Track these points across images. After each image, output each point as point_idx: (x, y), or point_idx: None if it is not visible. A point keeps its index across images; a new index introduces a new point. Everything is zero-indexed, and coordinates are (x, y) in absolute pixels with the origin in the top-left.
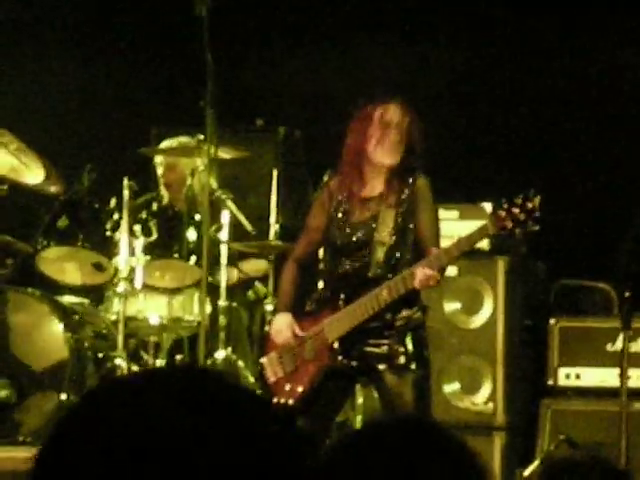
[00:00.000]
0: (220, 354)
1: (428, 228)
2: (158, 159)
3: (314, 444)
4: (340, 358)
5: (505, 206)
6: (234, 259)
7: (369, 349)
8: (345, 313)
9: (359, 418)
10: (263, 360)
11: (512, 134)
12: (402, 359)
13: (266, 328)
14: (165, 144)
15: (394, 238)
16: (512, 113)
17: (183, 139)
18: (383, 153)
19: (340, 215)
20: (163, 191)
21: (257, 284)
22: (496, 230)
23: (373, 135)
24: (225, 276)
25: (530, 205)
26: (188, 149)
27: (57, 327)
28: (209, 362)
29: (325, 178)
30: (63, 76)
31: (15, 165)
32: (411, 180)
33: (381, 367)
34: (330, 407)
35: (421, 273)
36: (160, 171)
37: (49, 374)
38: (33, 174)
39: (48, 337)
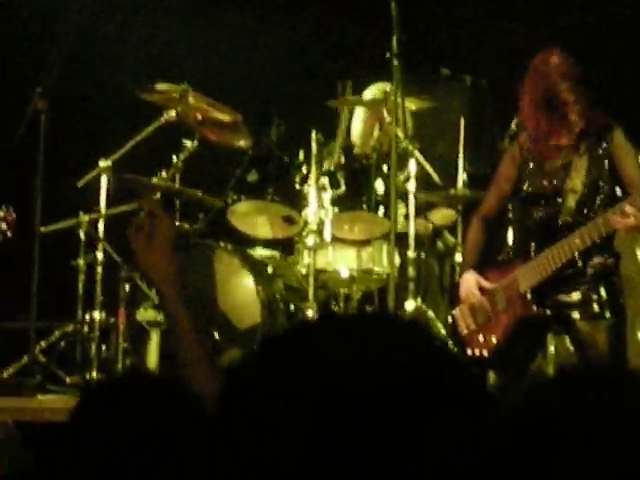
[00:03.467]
0: (410, 305)
1: (636, 173)
2: (358, 109)
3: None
4: (533, 307)
5: None
6: (422, 209)
7: (562, 297)
8: (537, 262)
9: (551, 367)
10: (454, 312)
11: None
12: (596, 307)
13: (456, 278)
14: (368, 92)
15: (586, 186)
16: None
17: (384, 85)
18: (572, 105)
19: (531, 164)
20: (357, 138)
21: (446, 234)
22: None
23: (559, 83)
24: (413, 227)
25: None
26: (377, 101)
27: (249, 280)
28: (399, 313)
29: (512, 126)
30: (251, 31)
31: (204, 120)
32: (606, 131)
33: (575, 315)
34: (524, 357)
35: (626, 211)
36: (361, 116)
37: (246, 331)
38: (222, 130)
39: (240, 290)
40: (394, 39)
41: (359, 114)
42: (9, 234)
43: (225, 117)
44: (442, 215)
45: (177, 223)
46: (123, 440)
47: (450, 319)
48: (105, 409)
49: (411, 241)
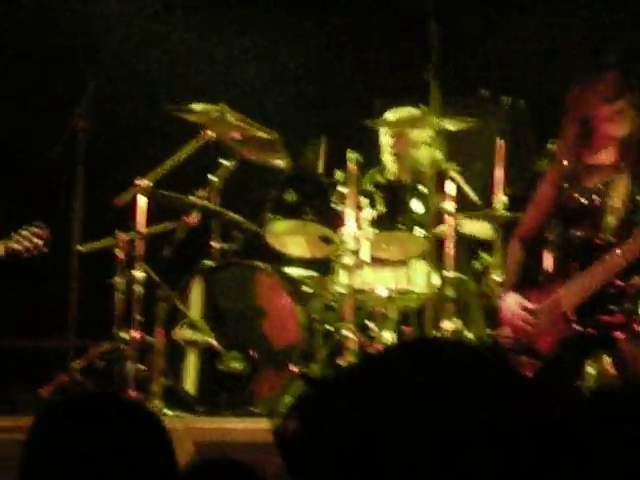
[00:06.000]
0: (448, 325)
1: None
2: (385, 129)
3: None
4: (576, 327)
5: None
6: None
7: (604, 317)
8: (578, 281)
9: (591, 387)
10: (497, 333)
11: None
12: (637, 326)
13: (494, 298)
14: (393, 114)
15: (626, 204)
16: None
17: (412, 109)
18: (611, 125)
19: (570, 183)
20: (389, 162)
21: (482, 254)
22: None
23: (597, 107)
24: (451, 247)
25: None
26: (414, 120)
27: (287, 300)
28: (437, 333)
29: (550, 147)
30: (287, 50)
31: (242, 139)
32: None
33: (617, 335)
34: (566, 377)
35: None
36: (388, 141)
37: (284, 350)
38: (260, 149)
39: (279, 310)
40: (433, 59)
41: (383, 141)
42: (45, 249)
43: (263, 136)
44: (478, 226)
45: (215, 243)
46: (77, 457)
47: (489, 340)
48: (61, 426)
49: (449, 261)
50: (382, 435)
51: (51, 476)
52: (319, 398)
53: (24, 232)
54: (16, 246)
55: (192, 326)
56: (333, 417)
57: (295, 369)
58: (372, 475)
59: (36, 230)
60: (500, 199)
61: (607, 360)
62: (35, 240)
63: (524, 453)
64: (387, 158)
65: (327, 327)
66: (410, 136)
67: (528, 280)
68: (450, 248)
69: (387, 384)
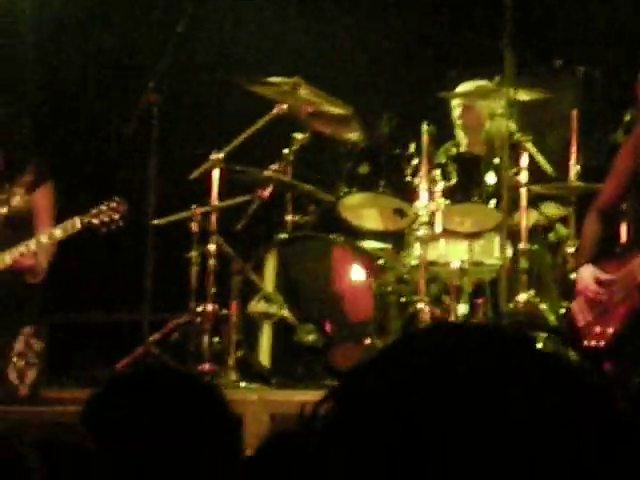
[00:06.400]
0: (522, 297)
1: None
2: (455, 102)
3: (624, 387)
4: None
5: None
6: (534, 201)
7: None
8: None
9: None
10: (572, 305)
11: None
12: None
13: (568, 269)
14: (462, 87)
15: None
16: None
17: (480, 82)
18: None
19: None
20: (460, 135)
21: (558, 226)
22: None
23: None
24: (525, 219)
25: None
26: (487, 92)
27: (361, 272)
28: (511, 305)
29: (627, 117)
30: (361, 23)
31: (315, 113)
32: None
33: None
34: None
35: None
36: (457, 114)
37: (358, 323)
38: (334, 123)
39: (353, 282)
40: (507, 29)
41: (453, 114)
42: (120, 223)
43: (336, 110)
44: (554, 207)
45: (288, 217)
46: (137, 429)
47: (563, 311)
48: (120, 399)
49: (523, 233)
50: (429, 423)
51: (106, 452)
52: (355, 381)
53: (102, 206)
54: (93, 220)
55: (267, 299)
56: (370, 401)
57: (369, 341)
58: (415, 465)
59: (113, 205)
60: (574, 170)
61: None
62: (112, 214)
63: (588, 446)
64: (458, 131)
65: (401, 300)
66: (479, 109)
67: (606, 251)
68: (524, 219)
69: (438, 366)
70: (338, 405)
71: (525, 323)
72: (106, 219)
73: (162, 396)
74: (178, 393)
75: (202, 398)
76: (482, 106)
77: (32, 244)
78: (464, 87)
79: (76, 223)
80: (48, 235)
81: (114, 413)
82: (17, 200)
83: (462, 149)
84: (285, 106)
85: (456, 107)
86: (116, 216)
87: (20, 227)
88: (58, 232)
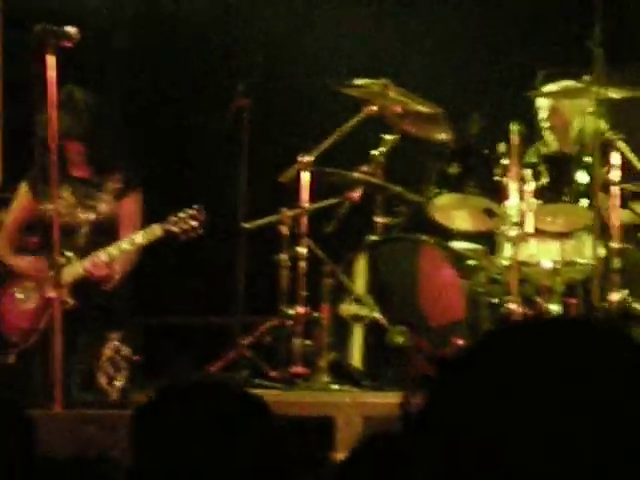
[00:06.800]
0: (614, 296)
1: None
2: (541, 104)
3: None
4: None
5: None
6: (627, 200)
7: None
8: None
9: None
10: None
11: None
12: None
13: None
14: (549, 88)
15: None
16: None
17: (566, 82)
18: None
19: None
20: (548, 136)
21: None
22: None
23: None
24: (618, 218)
25: None
26: (575, 91)
27: (452, 273)
28: (603, 305)
29: None
30: (449, 24)
31: (404, 114)
32: None
33: None
34: None
35: None
36: (543, 115)
37: (449, 326)
38: (423, 123)
39: (444, 284)
40: (596, 27)
41: (539, 114)
42: (200, 232)
43: (425, 110)
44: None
45: (378, 218)
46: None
47: None
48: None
49: (615, 232)
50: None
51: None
52: (448, 375)
53: (181, 214)
54: (173, 228)
55: (358, 301)
56: (461, 396)
57: (460, 343)
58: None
59: (192, 212)
60: None
61: None
62: (191, 222)
63: None
64: (545, 132)
65: (492, 300)
66: (565, 109)
67: None
68: (616, 219)
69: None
70: (436, 399)
71: (620, 318)
72: (186, 227)
73: (211, 412)
74: (227, 409)
75: (249, 415)
76: (568, 106)
77: (102, 254)
78: (550, 88)
79: (156, 230)
80: (129, 241)
81: (162, 428)
82: (104, 207)
83: (552, 149)
84: (375, 107)
85: (542, 109)
86: (195, 224)
87: (106, 233)
88: (139, 238)
